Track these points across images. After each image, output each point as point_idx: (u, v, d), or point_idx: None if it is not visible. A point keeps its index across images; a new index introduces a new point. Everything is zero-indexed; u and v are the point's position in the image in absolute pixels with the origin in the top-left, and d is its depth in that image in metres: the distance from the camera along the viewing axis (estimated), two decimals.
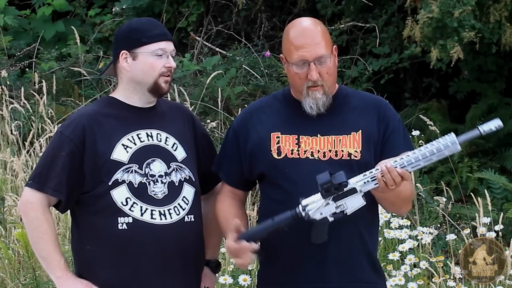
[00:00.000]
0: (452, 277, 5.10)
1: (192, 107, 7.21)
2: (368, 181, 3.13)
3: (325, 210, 3.17)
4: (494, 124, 3.08)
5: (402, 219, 5.41)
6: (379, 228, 5.23)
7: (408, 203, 3.40)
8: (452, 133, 3.10)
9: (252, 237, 3.23)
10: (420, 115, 6.51)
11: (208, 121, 7.26)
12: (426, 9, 7.23)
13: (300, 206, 3.18)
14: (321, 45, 3.29)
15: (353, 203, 3.16)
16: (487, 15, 7.34)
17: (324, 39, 3.30)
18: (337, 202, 3.15)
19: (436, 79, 8.96)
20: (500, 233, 5.24)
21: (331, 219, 3.18)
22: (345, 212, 3.17)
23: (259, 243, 3.30)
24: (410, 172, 3.15)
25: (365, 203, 3.16)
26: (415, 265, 5.21)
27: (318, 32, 3.31)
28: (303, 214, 3.17)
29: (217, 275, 4.89)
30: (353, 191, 3.14)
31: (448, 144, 3.10)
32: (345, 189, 3.14)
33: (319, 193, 3.15)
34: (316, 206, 3.16)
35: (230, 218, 3.35)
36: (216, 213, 3.46)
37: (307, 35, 3.30)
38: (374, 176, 3.12)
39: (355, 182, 3.14)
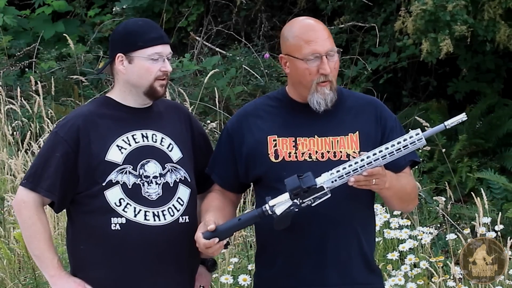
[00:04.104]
0: (452, 277, 5.09)
1: (192, 107, 7.21)
2: (335, 180, 3.14)
3: (292, 206, 3.19)
4: (459, 118, 3.12)
5: (402, 219, 5.40)
6: (379, 229, 5.27)
7: (414, 198, 3.42)
8: (418, 129, 3.13)
9: (220, 237, 3.22)
10: (416, 117, 6.47)
11: (208, 121, 7.26)
12: (420, 1, 7.24)
13: (267, 205, 3.19)
14: (330, 40, 3.31)
15: (319, 198, 3.17)
16: (482, 12, 7.34)
17: (329, 35, 3.33)
18: (304, 200, 3.17)
19: (435, 79, 8.95)
20: (499, 233, 5.23)
21: (296, 209, 3.18)
22: (310, 205, 3.18)
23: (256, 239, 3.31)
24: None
25: (330, 195, 3.16)
26: (415, 265, 5.21)
27: (324, 28, 3.34)
28: (270, 212, 3.19)
29: (217, 274, 4.91)
30: (321, 189, 3.15)
31: (415, 140, 3.11)
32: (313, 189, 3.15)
33: (287, 194, 3.17)
34: (283, 205, 3.18)
35: (208, 209, 3.36)
36: (200, 207, 3.45)
37: (316, 30, 3.32)
38: (342, 175, 3.13)
39: (322, 181, 3.15)
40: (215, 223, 3.22)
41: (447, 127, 3.12)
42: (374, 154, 3.11)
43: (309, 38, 3.29)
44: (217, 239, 3.20)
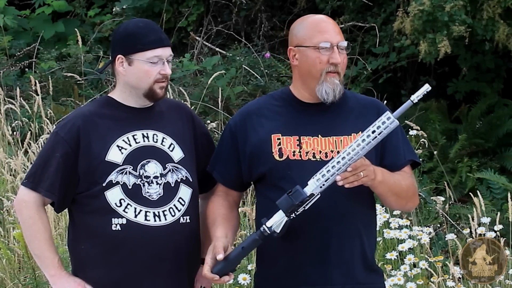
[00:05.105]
0: (451, 277, 5.10)
1: (192, 107, 7.21)
2: (323, 185, 3.16)
3: (288, 220, 3.21)
4: (423, 89, 3.13)
5: (401, 219, 5.40)
6: (378, 229, 5.27)
7: (411, 196, 3.41)
8: (387, 111, 3.16)
9: (227, 269, 3.24)
10: (406, 121, 6.45)
11: (208, 121, 7.26)
12: (418, 2, 7.24)
13: (265, 227, 3.20)
14: (341, 35, 3.39)
15: (310, 202, 3.19)
16: (481, 12, 7.33)
17: (340, 31, 3.40)
18: (298, 210, 3.19)
19: (434, 79, 8.95)
20: (498, 233, 5.23)
21: (292, 218, 3.20)
22: (305, 209, 3.20)
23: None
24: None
25: (319, 195, 3.17)
26: (414, 265, 5.21)
27: (336, 24, 3.41)
28: (269, 232, 3.20)
29: None
30: (311, 196, 3.17)
31: (388, 125, 3.13)
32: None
33: (281, 212, 3.18)
34: (280, 223, 3.20)
35: (216, 220, 3.37)
36: (206, 213, 3.45)
37: (329, 23, 3.39)
38: (328, 178, 3.14)
39: (311, 190, 3.16)
40: (224, 251, 3.22)
41: (414, 101, 3.14)
42: (353, 150, 3.12)
43: (322, 29, 3.35)
44: (217, 277, 3.21)
